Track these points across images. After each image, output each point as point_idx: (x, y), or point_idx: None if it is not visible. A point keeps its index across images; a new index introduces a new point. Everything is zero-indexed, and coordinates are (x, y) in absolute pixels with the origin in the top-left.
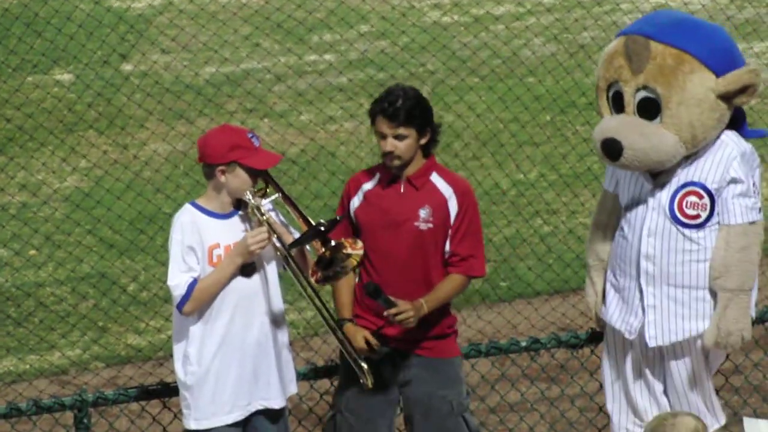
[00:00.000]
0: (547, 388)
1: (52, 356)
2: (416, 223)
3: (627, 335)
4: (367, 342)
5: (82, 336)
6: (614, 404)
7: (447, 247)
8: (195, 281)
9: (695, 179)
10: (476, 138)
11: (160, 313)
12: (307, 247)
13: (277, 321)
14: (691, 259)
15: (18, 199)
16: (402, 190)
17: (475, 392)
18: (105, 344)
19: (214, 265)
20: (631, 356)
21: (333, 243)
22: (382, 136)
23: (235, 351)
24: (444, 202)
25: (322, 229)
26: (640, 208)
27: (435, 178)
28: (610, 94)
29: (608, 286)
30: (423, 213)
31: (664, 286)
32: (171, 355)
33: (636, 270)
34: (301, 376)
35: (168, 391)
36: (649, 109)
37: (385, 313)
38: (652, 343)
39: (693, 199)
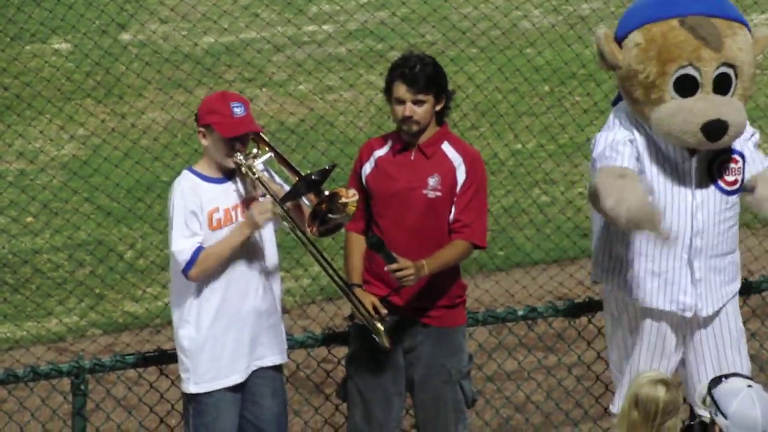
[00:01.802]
0: (544, 356)
1: (49, 323)
2: (425, 191)
3: (682, 313)
4: (375, 308)
5: (79, 303)
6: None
7: (452, 213)
8: (201, 247)
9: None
10: (475, 108)
11: (157, 281)
12: (305, 202)
13: (274, 286)
14: (730, 225)
15: (15, 166)
16: (413, 158)
17: (473, 360)
18: (102, 311)
19: (214, 229)
20: (654, 331)
21: (327, 193)
22: (400, 102)
23: (233, 316)
24: (453, 170)
25: (314, 178)
26: (683, 186)
27: (446, 147)
28: (674, 78)
29: (641, 273)
30: (432, 181)
31: (707, 258)
32: (168, 322)
33: (685, 248)
34: (299, 344)
35: (165, 358)
36: (724, 84)
37: (385, 268)
38: (704, 314)
39: (731, 165)
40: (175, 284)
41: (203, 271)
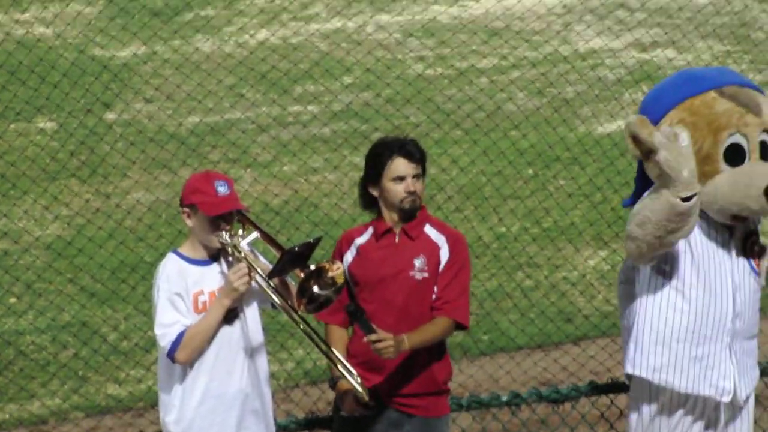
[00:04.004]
0: None
1: (31, 405)
2: (411, 273)
3: (720, 398)
4: (357, 399)
5: (62, 385)
6: None
7: (435, 291)
8: (184, 330)
9: (753, 223)
10: (459, 191)
11: (141, 363)
12: (291, 281)
13: (260, 368)
14: (759, 307)
15: None
16: (397, 241)
17: None
18: (85, 394)
19: (200, 312)
20: (689, 418)
21: (312, 268)
22: (400, 179)
23: (219, 398)
24: (437, 250)
25: (297, 250)
26: (724, 266)
27: (428, 229)
28: (724, 147)
29: (684, 359)
30: (418, 263)
31: (742, 340)
32: (152, 405)
33: (727, 332)
34: (282, 429)
35: None
36: (765, 151)
37: (364, 339)
38: (741, 397)
39: (757, 246)
40: (161, 368)
41: (190, 353)
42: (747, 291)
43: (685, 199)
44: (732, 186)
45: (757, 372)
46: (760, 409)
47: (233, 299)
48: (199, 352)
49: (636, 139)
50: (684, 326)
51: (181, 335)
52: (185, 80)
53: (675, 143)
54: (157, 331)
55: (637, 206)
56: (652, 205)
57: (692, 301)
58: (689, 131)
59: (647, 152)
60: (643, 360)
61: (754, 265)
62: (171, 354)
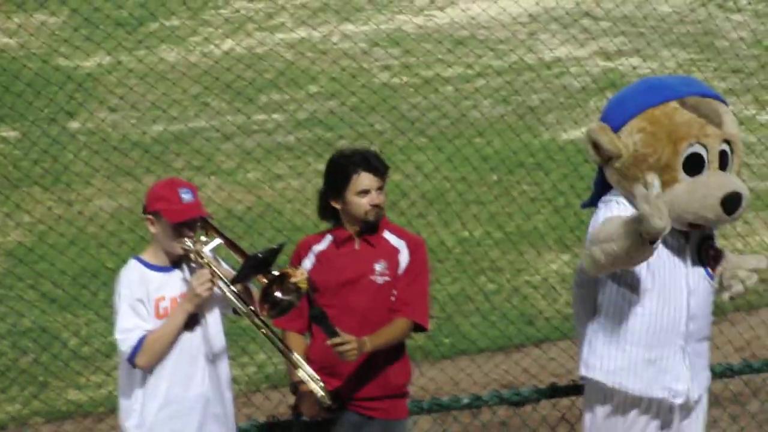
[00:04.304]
0: None
1: None
2: (372, 277)
3: (674, 400)
4: (318, 403)
5: (22, 391)
6: None
7: (394, 294)
8: (145, 335)
9: (709, 229)
10: (423, 197)
11: (102, 368)
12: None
13: (221, 374)
14: (712, 310)
15: None
16: (357, 247)
17: None
18: (45, 399)
19: (161, 318)
20: (642, 421)
21: (276, 273)
22: (365, 192)
23: (180, 405)
24: (397, 254)
25: (260, 256)
26: (679, 271)
27: (387, 235)
28: (683, 157)
29: (637, 362)
30: (378, 267)
31: (695, 343)
32: (111, 411)
33: (681, 334)
34: None
35: None
36: (724, 161)
37: (327, 342)
38: (693, 399)
39: (712, 251)
40: (122, 373)
41: (151, 358)
42: (701, 295)
43: (653, 242)
44: (689, 195)
45: (708, 373)
46: (720, 410)
47: (195, 305)
48: (160, 358)
49: (596, 146)
50: (638, 329)
51: (141, 340)
52: (150, 90)
53: (651, 193)
54: (118, 336)
55: (603, 232)
56: (618, 242)
57: (647, 305)
58: (649, 140)
59: (607, 158)
60: (597, 362)
61: (709, 270)
62: (131, 359)
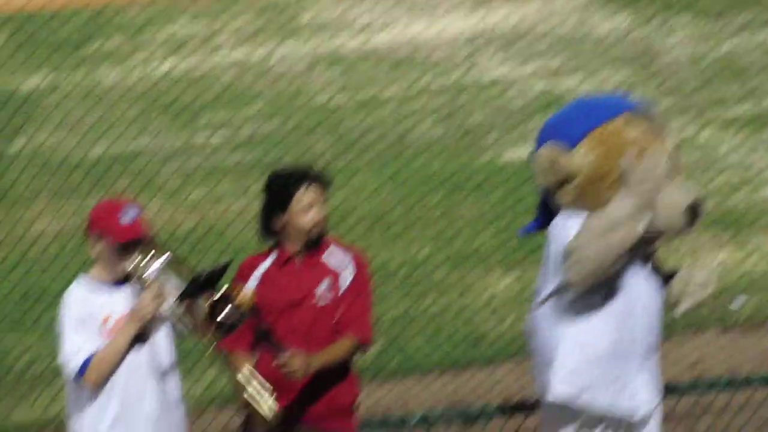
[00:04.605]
0: None
1: None
2: (314, 301)
3: (633, 418)
4: (266, 421)
5: None
6: None
7: (338, 312)
8: (92, 355)
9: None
10: (364, 219)
11: (48, 390)
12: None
13: (171, 392)
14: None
15: None
16: (298, 267)
17: None
18: None
19: (108, 336)
20: None
21: (220, 293)
22: (308, 207)
23: (130, 424)
24: (339, 273)
25: (205, 276)
26: (639, 284)
27: (330, 253)
28: None
29: (603, 379)
30: (321, 288)
31: (650, 357)
32: None
33: (641, 349)
34: None
35: None
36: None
37: (274, 363)
38: (646, 414)
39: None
40: (70, 395)
41: (98, 377)
42: (655, 309)
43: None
44: (657, 209)
45: (659, 388)
46: (670, 429)
47: (140, 326)
48: (107, 376)
49: (552, 168)
50: (607, 345)
51: (88, 360)
52: (90, 111)
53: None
54: (65, 357)
55: (583, 236)
56: (609, 237)
57: (615, 320)
58: (606, 157)
59: (563, 180)
60: (573, 380)
61: (661, 282)
62: (79, 378)
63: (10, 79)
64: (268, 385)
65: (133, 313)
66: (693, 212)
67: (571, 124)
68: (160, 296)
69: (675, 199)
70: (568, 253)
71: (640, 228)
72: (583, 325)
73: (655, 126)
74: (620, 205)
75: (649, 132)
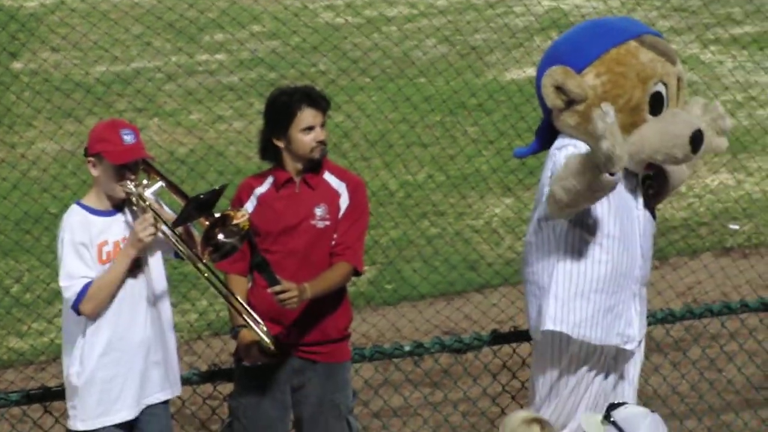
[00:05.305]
0: (431, 392)
1: None
2: (312, 222)
3: (626, 346)
4: (261, 348)
5: None
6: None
7: (334, 237)
8: (90, 282)
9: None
10: (365, 138)
11: (43, 316)
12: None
13: (163, 319)
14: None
15: None
16: (297, 190)
17: (359, 396)
18: None
19: (104, 263)
20: (598, 371)
21: (217, 215)
22: (309, 129)
23: (122, 351)
24: (337, 197)
25: (202, 198)
26: (633, 213)
27: (328, 176)
28: (649, 96)
29: (598, 311)
30: (319, 211)
31: (641, 287)
32: (54, 359)
33: (635, 279)
34: (184, 381)
35: (50, 395)
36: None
37: (269, 290)
38: (638, 343)
39: (652, 190)
40: (65, 320)
41: (96, 305)
42: (648, 237)
43: (613, 174)
44: (661, 136)
45: (645, 316)
46: (661, 357)
47: (139, 250)
48: (105, 304)
49: (559, 90)
50: (602, 277)
51: (86, 287)
52: (92, 29)
53: (610, 126)
54: (62, 282)
55: (563, 170)
56: (578, 177)
57: (610, 251)
58: (619, 81)
59: (569, 102)
60: (565, 315)
61: (653, 209)
62: (76, 306)
63: None
64: (259, 320)
65: (129, 240)
66: (695, 141)
67: (581, 46)
68: (156, 222)
69: (680, 128)
70: (551, 193)
71: (608, 178)
72: (576, 255)
73: (663, 52)
74: (592, 151)
75: (661, 56)
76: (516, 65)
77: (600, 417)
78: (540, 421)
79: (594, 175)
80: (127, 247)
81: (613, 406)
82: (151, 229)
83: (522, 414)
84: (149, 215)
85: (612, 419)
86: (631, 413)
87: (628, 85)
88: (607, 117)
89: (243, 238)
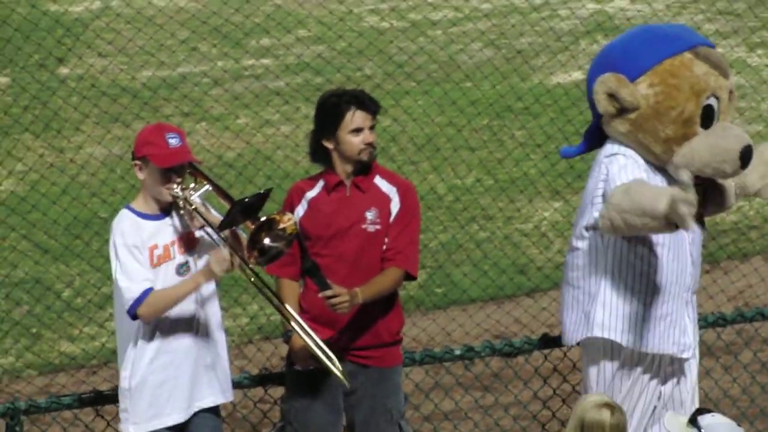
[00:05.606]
0: (482, 396)
1: None
2: (363, 226)
3: (682, 355)
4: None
5: (15, 343)
6: None
7: (385, 242)
8: (150, 288)
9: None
10: (412, 142)
11: (95, 320)
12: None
13: (212, 323)
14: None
15: None
16: (348, 194)
17: (410, 400)
18: (38, 352)
19: (155, 266)
20: (648, 376)
21: (263, 219)
22: (358, 131)
23: (173, 354)
24: (388, 201)
25: (247, 201)
26: None
27: (378, 180)
28: (701, 109)
29: (650, 321)
30: (370, 215)
31: (692, 294)
32: (105, 363)
33: (687, 287)
34: (235, 384)
35: (101, 398)
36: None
37: (319, 294)
38: (694, 348)
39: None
40: (118, 324)
41: (152, 313)
42: (697, 244)
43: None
44: (712, 148)
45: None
46: (713, 360)
47: (211, 279)
48: (161, 315)
49: (612, 97)
50: (652, 286)
51: (145, 294)
52: (138, 34)
53: (689, 196)
54: (122, 284)
55: (628, 202)
56: (643, 219)
57: (659, 259)
58: (673, 93)
59: (621, 109)
60: (614, 323)
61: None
62: (133, 310)
63: (58, 2)
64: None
65: (204, 269)
66: (745, 157)
67: (635, 54)
68: (233, 257)
69: (730, 143)
70: (606, 202)
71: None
72: (624, 263)
73: (716, 65)
74: (656, 202)
75: (715, 68)
76: (562, 69)
77: (685, 419)
78: (611, 406)
79: (660, 225)
80: (199, 274)
81: (700, 411)
82: (227, 265)
83: (594, 397)
84: (226, 251)
85: (697, 424)
86: (718, 422)
87: (681, 98)
88: (688, 189)
89: (289, 242)
